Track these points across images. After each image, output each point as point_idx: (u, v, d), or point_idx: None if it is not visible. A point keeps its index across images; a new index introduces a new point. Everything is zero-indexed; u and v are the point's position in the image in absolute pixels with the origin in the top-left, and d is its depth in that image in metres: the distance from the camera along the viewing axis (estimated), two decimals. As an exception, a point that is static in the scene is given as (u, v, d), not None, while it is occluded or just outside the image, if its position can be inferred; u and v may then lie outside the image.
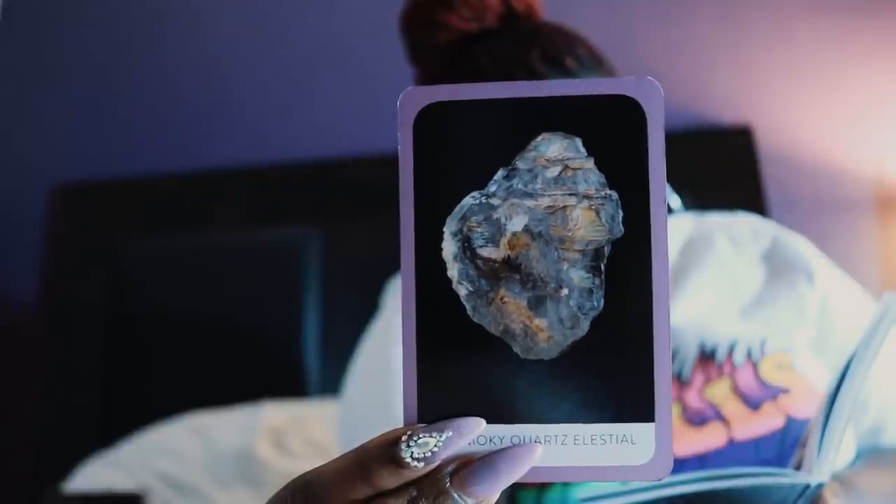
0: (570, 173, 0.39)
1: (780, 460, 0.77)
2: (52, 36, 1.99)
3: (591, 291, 0.39)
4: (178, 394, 1.71)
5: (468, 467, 0.38)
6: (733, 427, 0.78)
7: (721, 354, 0.82)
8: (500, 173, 0.40)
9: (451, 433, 0.38)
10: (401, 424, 0.39)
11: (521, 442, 0.39)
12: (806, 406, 0.80)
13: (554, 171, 0.39)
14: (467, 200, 0.40)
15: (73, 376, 1.84)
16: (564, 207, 0.39)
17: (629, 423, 0.39)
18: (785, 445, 0.78)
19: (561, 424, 0.39)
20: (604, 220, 0.39)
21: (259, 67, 1.92)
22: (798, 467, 0.64)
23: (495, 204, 0.40)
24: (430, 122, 0.40)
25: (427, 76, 0.87)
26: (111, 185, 1.94)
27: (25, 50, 1.99)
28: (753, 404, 0.79)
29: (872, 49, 1.74)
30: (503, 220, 0.40)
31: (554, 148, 0.40)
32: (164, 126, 1.95)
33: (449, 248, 0.40)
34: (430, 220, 0.40)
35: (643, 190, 0.39)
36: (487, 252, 0.40)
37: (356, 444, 0.38)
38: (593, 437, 0.39)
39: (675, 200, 0.93)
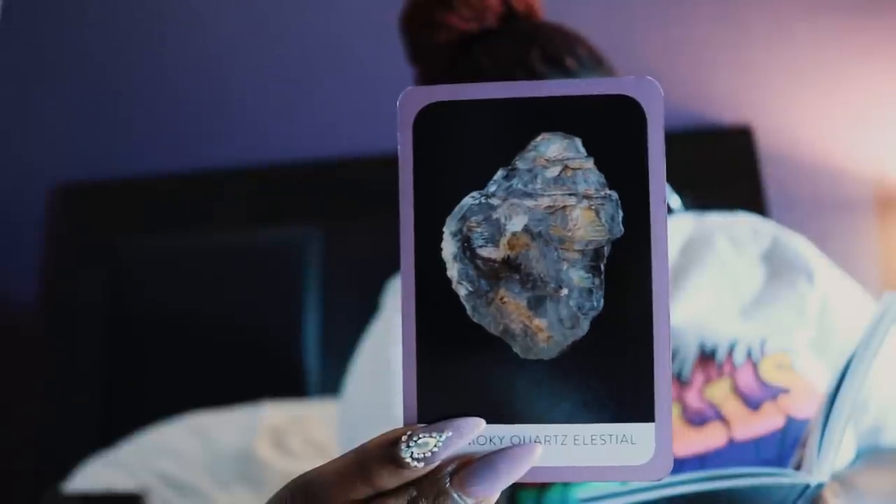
0: (569, 173, 0.39)
1: (780, 460, 0.77)
2: (52, 36, 1.99)
3: (590, 291, 0.39)
4: (178, 394, 1.71)
5: (468, 467, 0.38)
6: (733, 427, 0.78)
7: (721, 354, 0.82)
8: (500, 173, 0.40)
9: (450, 433, 0.38)
10: (401, 424, 0.39)
11: (521, 442, 0.39)
12: (806, 406, 0.80)
13: (554, 171, 0.39)
14: (467, 200, 0.40)
15: (73, 376, 1.84)
16: (564, 207, 0.39)
17: (629, 423, 0.39)
18: (785, 445, 0.78)
19: (561, 424, 0.39)
20: (603, 220, 0.39)
21: (259, 67, 1.92)
22: (798, 467, 0.64)
23: (495, 204, 0.40)
24: (429, 122, 0.40)
25: (427, 76, 0.87)
26: (111, 185, 1.94)
27: (25, 50, 1.99)
28: (753, 404, 0.79)
29: (872, 49, 1.74)
30: (503, 220, 0.40)
31: (554, 148, 0.40)
32: (164, 126, 1.95)
33: (449, 248, 0.40)
34: (430, 220, 0.40)
35: (643, 190, 0.39)
36: (487, 252, 0.40)
37: (356, 444, 0.38)
38: (593, 437, 0.39)
39: (675, 200, 0.93)
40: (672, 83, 1.75)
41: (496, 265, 0.40)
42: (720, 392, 0.80)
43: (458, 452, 0.38)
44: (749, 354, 0.82)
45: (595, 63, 0.82)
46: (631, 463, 0.39)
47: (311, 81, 1.90)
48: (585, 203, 0.39)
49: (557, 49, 0.81)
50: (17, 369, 1.93)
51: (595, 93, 0.39)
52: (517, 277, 0.39)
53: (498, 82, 0.40)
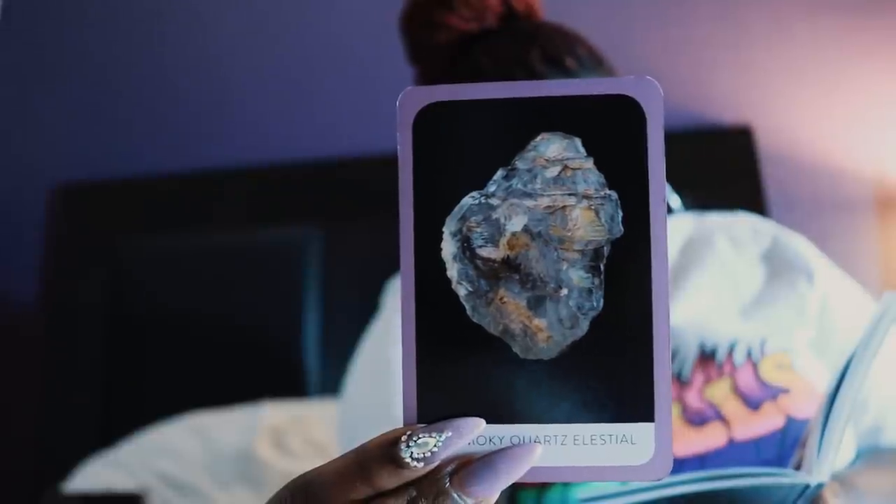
0: (569, 173, 0.39)
1: (780, 460, 0.77)
2: (52, 36, 1.99)
3: (590, 291, 0.39)
4: (178, 394, 1.71)
5: (468, 467, 0.38)
6: (733, 427, 0.78)
7: (721, 354, 0.82)
8: (500, 173, 0.40)
9: (450, 433, 0.38)
10: (401, 424, 0.39)
11: (521, 442, 0.39)
12: (806, 406, 0.80)
13: (553, 171, 0.39)
14: (467, 200, 0.40)
15: (73, 376, 1.84)
16: (564, 207, 0.39)
17: (629, 423, 0.39)
18: (785, 445, 0.78)
19: (560, 424, 0.39)
20: (603, 220, 0.39)
21: (259, 67, 1.92)
22: (798, 467, 0.64)
23: (494, 204, 0.40)
24: (429, 122, 0.40)
25: (427, 76, 0.87)
26: (111, 185, 1.94)
27: (25, 50, 1.99)
28: (753, 404, 0.79)
29: (872, 49, 1.74)
30: (502, 220, 0.40)
31: (553, 148, 0.40)
32: (164, 126, 1.95)
33: (448, 248, 0.40)
34: (430, 220, 0.40)
35: (642, 190, 0.39)
36: (487, 252, 0.40)
37: (356, 444, 0.38)
38: (593, 437, 0.39)
39: (674, 200, 0.93)
40: (672, 83, 1.75)
41: (496, 265, 0.40)
42: (720, 392, 0.80)
43: (457, 452, 0.38)
44: (749, 354, 0.82)
45: (595, 63, 0.82)
46: (631, 463, 0.39)
47: (311, 81, 1.90)
48: (585, 203, 0.39)
49: (557, 49, 0.81)
50: (17, 369, 1.93)
51: (595, 93, 0.39)
52: (517, 277, 0.39)
53: (498, 82, 0.40)
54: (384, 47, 1.18)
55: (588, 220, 0.39)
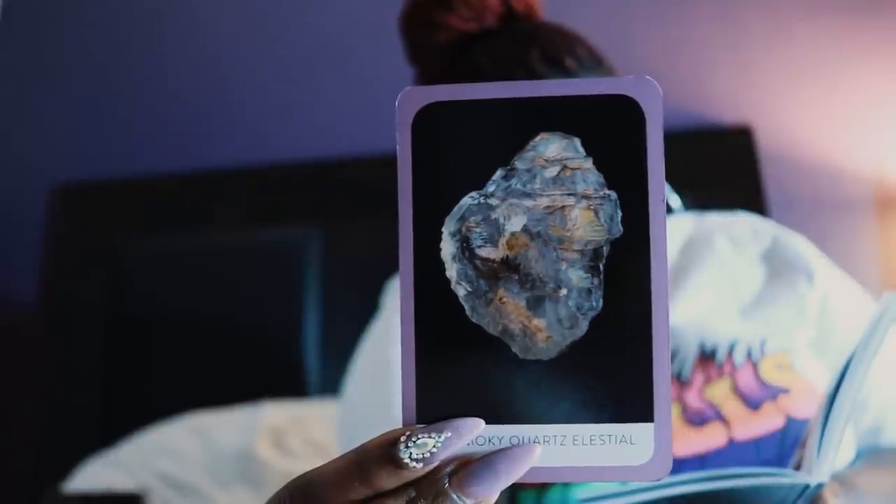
0: (568, 173, 0.39)
1: (780, 460, 0.77)
2: (52, 36, 1.99)
3: (589, 291, 0.39)
4: (178, 394, 1.71)
5: (467, 468, 0.38)
6: (733, 427, 0.78)
7: (721, 354, 0.82)
8: (499, 173, 0.40)
9: (449, 434, 0.38)
10: (400, 425, 0.39)
11: (520, 442, 0.39)
12: (806, 406, 0.80)
13: (552, 171, 0.39)
14: (466, 200, 0.40)
15: (73, 376, 1.84)
16: (563, 207, 0.39)
17: (628, 424, 0.39)
18: (785, 445, 0.78)
19: (560, 425, 0.39)
20: (602, 219, 0.39)
21: (259, 67, 1.92)
22: (798, 467, 0.64)
23: (494, 204, 0.40)
24: (428, 122, 0.40)
25: (426, 76, 0.87)
26: (111, 185, 1.94)
27: (25, 50, 1.99)
28: (753, 404, 0.79)
29: (872, 49, 1.74)
30: (502, 221, 0.39)
31: (552, 148, 0.39)
32: (164, 126, 1.95)
33: (447, 248, 0.40)
34: (429, 220, 0.40)
35: (642, 190, 0.39)
36: (486, 252, 0.40)
37: (356, 445, 0.38)
38: (592, 438, 0.39)
39: (674, 200, 0.92)
40: (672, 83, 1.75)
41: (495, 265, 0.39)
42: (720, 392, 0.80)
43: (457, 453, 0.38)
44: (749, 354, 0.82)
45: (595, 63, 0.82)
46: (630, 463, 0.39)
47: (311, 81, 1.90)
48: (584, 203, 0.39)
49: (557, 49, 0.81)
50: (17, 369, 1.93)
51: (594, 93, 0.39)
52: (516, 277, 0.39)
53: (497, 82, 0.40)
54: (384, 47, 1.18)
55: (587, 220, 0.39)
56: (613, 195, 0.39)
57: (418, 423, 0.39)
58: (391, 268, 0.60)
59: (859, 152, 1.74)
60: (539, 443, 0.39)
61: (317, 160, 1.87)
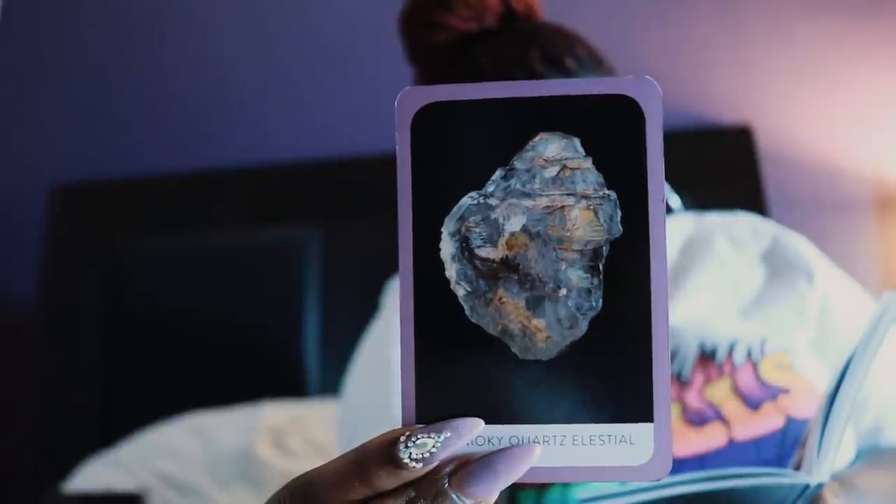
0: (568, 173, 0.39)
1: (780, 460, 0.77)
2: (52, 36, 1.99)
3: (589, 291, 0.39)
4: (178, 394, 1.71)
5: (466, 468, 0.38)
6: (733, 427, 0.78)
7: (721, 354, 0.82)
8: (498, 173, 0.40)
9: (449, 434, 0.38)
10: (400, 425, 0.39)
11: (520, 442, 0.39)
12: (806, 406, 0.80)
13: (552, 171, 0.39)
14: (465, 200, 0.40)
15: (73, 376, 1.84)
16: (562, 207, 0.39)
17: (628, 424, 0.39)
18: (785, 445, 0.78)
19: (559, 425, 0.39)
20: (602, 219, 0.39)
21: (259, 67, 1.92)
22: (798, 467, 0.64)
23: (493, 204, 0.40)
24: (428, 122, 0.40)
25: (426, 76, 0.87)
26: (111, 185, 1.94)
27: (25, 50, 1.99)
28: (753, 404, 0.79)
29: (872, 49, 1.74)
30: (501, 221, 0.39)
31: (552, 148, 0.39)
32: (164, 126, 1.95)
33: (447, 248, 0.40)
34: (429, 220, 0.40)
35: (642, 190, 0.39)
36: (485, 252, 0.40)
37: (356, 445, 0.38)
38: (592, 438, 0.39)
39: (674, 200, 0.92)
40: (672, 83, 1.75)
41: (494, 265, 0.39)
42: (720, 392, 0.80)
43: (456, 453, 0.38)
44: (749, 354, 0.82)
45: (595, 63, 0.82)
46: (630, 463, 0.39)
47: (311, 81, 1.90)
48: (584, 203, 0.39)
49: (557, 49, 0.81)
50: (17, 369, 1.93)
51: (593, 92, 0.39)
52: (515, 278, 0.39)
53: (496, 82, 0.40)
54: (384, 47, 1.18)
55: (587, 220, 0.39)
56: (613, 195, 0.39)
57: (418, 423, 0.39)
58: (391, 268, 0.60)
59: (859, 152, 1.74)
60: (539, 443, 0.39)
61: (317, 160, 1.87)
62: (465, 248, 0.39)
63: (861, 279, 1.06)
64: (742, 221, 0.95)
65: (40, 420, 1.86)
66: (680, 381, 0.81)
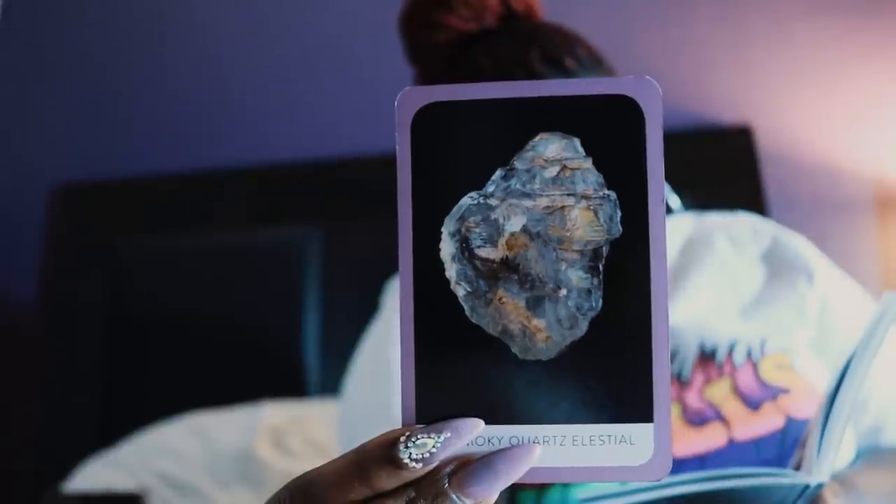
0: (568, 173, 0.39)
1: (780, 460, 0.77)
2: (52, 36, 1.99)
3: (589, 292, 0.39)
4: (178, 394, 1.71)
5: (467, 468, 0.38)
6: (733, 427, 0.78)
7: (721, 354, 0.82)
8: (498, 173, 0.40)
9: (449, 434, 0.38)
10: (400, 425, 0.39)
11: (520, 442, 0.39)
12: (806, 406, 0.80)
13: (552, 172, 0.39)
14: (465, 201, 0.40)
15: (73, 376, 1.84)
16: (562, 207, 0.39)
17: (628, 424, 0.39)
18: (785, 445, 0.78)
19: (559, 425, 0.39)
20: (602, 220, 0.39)
21: (259, 67, 1.92)
22: (798, 467, 0.64)
23: (493, 204, 0.40)
24: (428, 122, 0.40)
25: (426, 76, 0.87)
26: (111, 185, 1.94)
27: (25, 50, 1.99)
28: (753, 404, 0.79)
29: (872, 49, 1.74)
30: (501, 221, 0.39)
31: (552, 148, 0.39)
32: (164, 126, 1.95)
33: (447, 248, 0.40)
34: (429, 220, 0.40)
35: (641, 190, 0.39)
36: (485, 252, 0.39)
37: (356, 445, 0.38)
38: (592, 438, 0.39)
39: (674, 200, 0.92)
40: (672, 83, 1.75)
41: (494, 265, 0.39)
42: (720, 392, 0.80)
43: (456, 453, 0.38)
44: (749, 354, 0.82)
45: (595, 63, 0.82)
46: (630, 463, 0.39)
47: (311, 81, 1.90)
48: (584, 203, 0.39)
49: (557, 49, 0.81)
50: (17, 369, 1.93)
51: (593, 93, 0.39)
52: (515, 278, 0.39)
53: (496, 82, 0.40)
54: (384, 47, 1.18)
55: (587, 221, 0.39)
56: (613, 195, 0.39)
57: (418, 423, 0.39)
58: (391, 268, 0.60)
59: (859, 152, 1.74)
60: (539, 443, 0.39)
61: (317, 160, 1.87)
62: (465, 249, 0.39)
63: (861, 279, 1.06)
64: (742, 221, 0.95)
65: (40, 420, 1.86)
66: (680, 381, 0.81)
